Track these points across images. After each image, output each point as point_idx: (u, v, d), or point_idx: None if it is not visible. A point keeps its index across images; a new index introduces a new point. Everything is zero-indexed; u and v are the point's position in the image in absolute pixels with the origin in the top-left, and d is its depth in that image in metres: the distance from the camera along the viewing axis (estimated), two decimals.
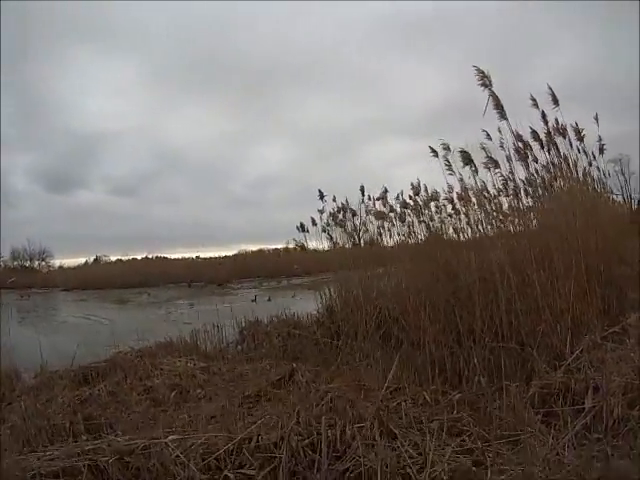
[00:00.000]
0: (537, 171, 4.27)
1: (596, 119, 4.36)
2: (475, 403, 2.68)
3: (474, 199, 4.77)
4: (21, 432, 2.97)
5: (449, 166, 4.28)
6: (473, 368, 3.18)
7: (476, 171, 4.35)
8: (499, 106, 3.80)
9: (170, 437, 2.32)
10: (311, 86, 50.61)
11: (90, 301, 16.96)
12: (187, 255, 30.80)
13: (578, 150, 4.19)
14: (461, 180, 4.43)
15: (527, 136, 4.18)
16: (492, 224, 4.68)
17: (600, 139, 4.38)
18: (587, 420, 2.13)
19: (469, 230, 4.90)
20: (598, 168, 4.37)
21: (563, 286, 3.15)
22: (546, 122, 4.02)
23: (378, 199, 5.75)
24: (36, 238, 34.26)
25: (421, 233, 5.40)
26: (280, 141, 53.88)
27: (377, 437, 1.96)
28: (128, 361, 4.86)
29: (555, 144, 4.05)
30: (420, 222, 5.32)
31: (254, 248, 31.04)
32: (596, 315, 3.03)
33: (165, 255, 31.62)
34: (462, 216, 5.01)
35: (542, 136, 4.01)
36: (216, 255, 29.57)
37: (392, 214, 5.65)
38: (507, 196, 4.49)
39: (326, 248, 6.97)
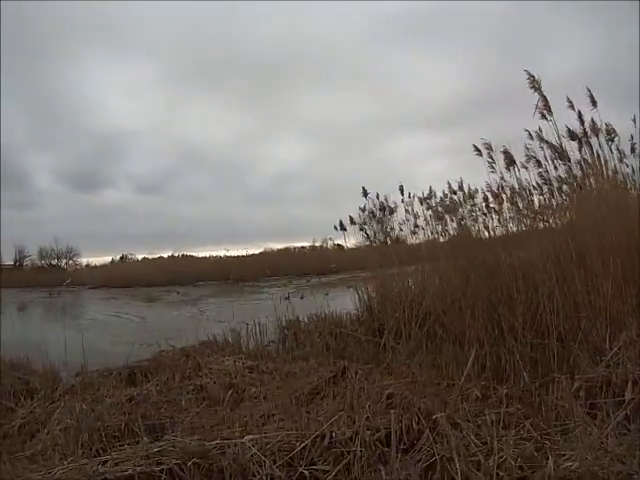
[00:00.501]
0: (570, 169, 4.54)
1: (634, 120, 4.58)
2: (522, 398, 3.01)
3: (508, 196, 5.08)
4: (74, 434, 3.04)
5: (491, 164, 4.57)
6: (516, 365, 3.50)
7: (514, 168, 4.69)
8: (547, 107, 4.10)
9: (247, 437, 2.48)
10: (328, 82, 51.00)
11: (120, 299, 17.51)
12: (213, 253, 31.45)
13: (610, 150, 4.41)
14: (502, 178, 4.72)
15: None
16: (525, 222, 4.97)
17: (632, 138, 4.60)
18: (627, 411, 2.43)
19: (502, 228, 5.21)
20: (628, 165, 4.58)
21: (601, 284, 3.44)
22: (582, 122, 4.28)
23: (426, 199, 5.98)
24: (63, 237, 35.99)
25: (454, 230, 5.72)
26: (299, 137, 54.63)
27: (447, 428, 2.29)
28: (173, 360, 5.06)
29: (589, 143, 4.31)
30: (457, 220, 5.61)
31: (280, 246, 31.85)
32: (631, 313, 3.31)
33: (191, 253, 32.78)
34: (494, 214, 5.31)
35: (579, 135, 4.28)
36: (242, 253, 29.93)
37: (429, 212, 5.94)
38: (541, 194, 4.78)
39: (360, 246, 7.36)
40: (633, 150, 4.51)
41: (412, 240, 6.44)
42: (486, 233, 5.36)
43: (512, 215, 5.11)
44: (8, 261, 35.57)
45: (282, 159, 54.29)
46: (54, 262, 35.57)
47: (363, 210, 6.41)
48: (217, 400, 3.79)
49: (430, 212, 5.96)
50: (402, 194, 6.11)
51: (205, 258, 30.52)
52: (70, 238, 36.11)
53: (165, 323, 9.26)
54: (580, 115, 4.24)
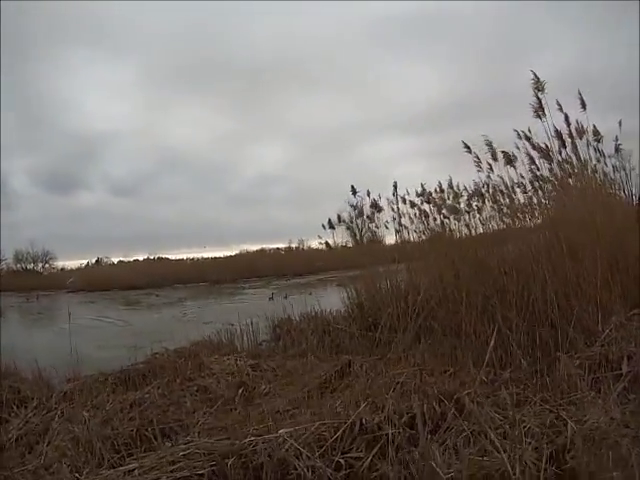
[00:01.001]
0: (552, 169, 4.98)
1: (620, 124, 5.07)
2: (524, 380, 3.33)
3: (490, 195, 5.49)
4: (85, 443, 3.02)
5: (478, 163, 4.96)
6: (513, 352, 3.83)
7: (491, 169, 5.12)
8: (541, 108, 4.51)
9: (282, 430, 2.58)
10: (308, 85, 52.16)
11: (99, 303, 17.50)
12: (189, 255, 32.53)
13: (595, 150, 4.87)
14: (488, 177, 5.13)
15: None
16: (507, 219, 5.40)
17: (617, 139, 5.08)
18: (625, 383, 2.82)
19: (485, 225, 5.63)
20: (608, 165, 5.06)
21: (589, 275, 3.86)
22: (568, 124, 4.72)
23: (419, 195, 6.26)
24: (38, 240, 35.73)
25: (439, 228, 6.08)
26: (278, 140, 55.75)
27: (471, 406, 2.59)
28: (169, 362, 5.08)
29: (574, 144, 4.75)
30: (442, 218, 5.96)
31: (255, 247, 32.73)
32: (618, 300, 3.75)
33: (167, 256, 33.32)
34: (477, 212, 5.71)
35: (565, 137, 4.73)
36: (218, 255, 30.95)
37: (413, 210, 6.27)
38: (524, 192, 5.20)
39: (338, 246, 7.62)
40: (617, 150, 4.97)
41: (397, 239, 6.74)
42: (471, 230, 5.74)
43: (493, 213, 5.55)
44: None
45: (261, 162, 55.46)
46: (30, 266, 34.99)
47: (354, 208, 6.65)
48: (226, 399, 3.87)
49: (415, 210, 6.27)
50: (395, 191, 6.40)
51: (181, 260, 31.42)
52: (45, 241, 35.94)
53: (149, 326, 9.33)
54: (567, 118, 4.70)
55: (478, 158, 5.01)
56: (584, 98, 4.74)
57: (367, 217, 6.51)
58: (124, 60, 51.02)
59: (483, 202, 5.56)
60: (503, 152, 4.82)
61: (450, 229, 5.91)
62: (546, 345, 3.75)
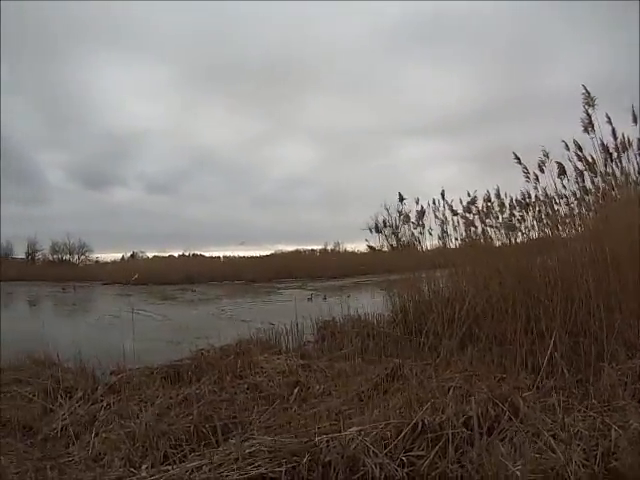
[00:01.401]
0: (593, 182, 5.26)
1: None
2: (568, 388, 3.65)
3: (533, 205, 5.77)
4: (140, 438, 3.15)
5: (527, 173, 5.27)
6: (554, 362, 4.12)
7: (537, 179, 5.40)
8: (590, 124, 4.84)
9: (352, 429, 2.80)
10: (338, 87, 53.42)
11: (136, 296, 18.18)
12: (223, 254, 33.74)
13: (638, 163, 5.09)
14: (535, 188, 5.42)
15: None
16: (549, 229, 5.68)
17: None
18: None
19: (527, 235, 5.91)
20: None
21: (632, 288, 4.14)
22: (615, 137, 4.99)
23: (470, 203, 6.45)
24: (74, 233, 38.18)
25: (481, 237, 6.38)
26: (307, 142, 57.65)
27: (525, 409, 2.94)
28: (217, 359, 5.28)
29: (620, 158, 5.00)
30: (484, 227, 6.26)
31: (290, 248, 34.27)
32: None
33: (201, 253, 34.88)
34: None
35: (611, 150, 4.99)
36: (252, 254, 32.26)
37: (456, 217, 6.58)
38: (568, 204, 5.46)
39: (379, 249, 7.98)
40: None
41: (437, 244, 7.04)
42: (510, 239, 6.02)
43: (534, 223, 5.83)
44: (20, 255, 38.52)
45: (290, 163, 58.19)
46: (66, 257, 37.06)
47: (401, 214, 7.01)
48: (281, 398, 4.02)
49: (457, 218, 6.56)
50: (443, 199, 6.66)
51: (215, 258, 32.76)
52: (81, 234, 38.38)
53: (188, 321, 9.61)
54: (614, 131, 4.91)
55: (527, 169, 5.30)
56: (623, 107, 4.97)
57: (413, 223, 6.81)
58: (153, 60, 53.27)
59: (527, 212, 5.82)
60: (557, 163, 5.09)
61: (490, 237, 6.22)
62: (588, 356, 4.04)
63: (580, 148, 5.06)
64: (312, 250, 33.94)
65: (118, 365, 5.19)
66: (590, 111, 4.84)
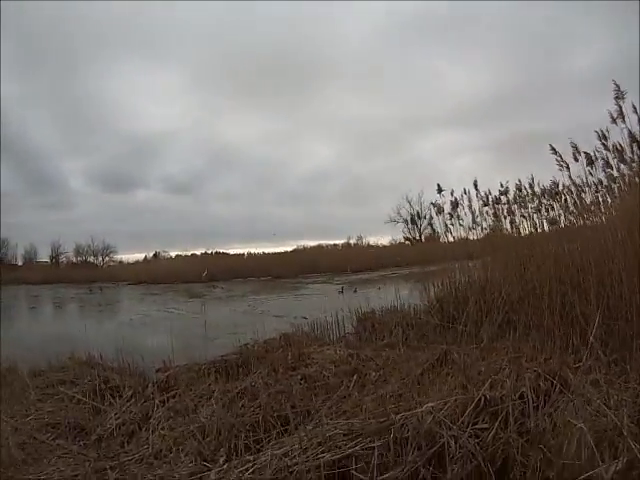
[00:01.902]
0: (619, 169, 5.74)
1: None
2: (603, 368, 4.12)
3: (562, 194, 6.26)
4: (210, 431, 3.33)
5: (560, 164, 5.78)
6: (593, 345, 4.60)
7: (567, 168, 5.87)
8: (621, 115, 5.33)
9: (427, 405, 3.07)
10: (353, 83, 54.20)
11: (163, 295, 19.04)
12: (246, 250, 35.82)
13: None
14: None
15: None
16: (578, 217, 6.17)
17: None
18: None
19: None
20: None
21: None
22: None
23: (503, 194, 7.03)
24: (99, 235, 41.23)
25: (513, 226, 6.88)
26: (328, 137, 59.38)
27: (575, 382, 3.44)
28: (263, 352, 5.65)
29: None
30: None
31: (312, 244, 36.09)
32: None
33: (224, 250, 37.16)
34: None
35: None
36: (275, 251, 34.04)
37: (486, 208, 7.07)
38: (597, 192, 5.94)
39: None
40: None
41: (463, 236, 7.58)
42: (537, 229, 6.56)
43: (561, 212, 6.32)
44: (44, 258, 41.25)
45: (312, 159, 59.35)
46: (90, 259, 38.39)
47: (435, 206, 7.54)
48: (336, 386, 4.28)
49: (487, 209, 7.06)
50: (476, 189, 7.24)
51: (239, 255, 34.52)
52: (104, 236, 41.25)
53: (221, 318, 10.15)
54: None
55: (561, 157, 5.79)
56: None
57: (449, 214, 7.36)
58: (174, 61, 54.87)
59: (555, 201, 6.30)
60: (585, 153, 5.59)
61: (517, 227, 6.72)
62: (622, 337, 4.54)
63: (606, 137, 5.52)
64: (334, 245, 34.77)
65: (164, 362, 5.41)
66: (620, 103, 5.30)
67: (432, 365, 4.66)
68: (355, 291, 12.29)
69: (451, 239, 7.79)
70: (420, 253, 7.99)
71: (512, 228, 6.92)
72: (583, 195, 6.05)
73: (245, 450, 3.15)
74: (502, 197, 6.87)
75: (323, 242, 36.12)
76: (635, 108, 5.44)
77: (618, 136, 5.53)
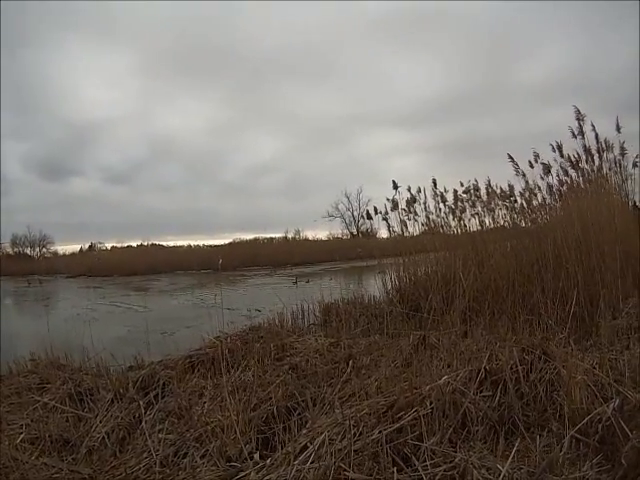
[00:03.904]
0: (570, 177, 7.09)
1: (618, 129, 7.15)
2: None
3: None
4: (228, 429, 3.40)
5: (517, 169, 6.98)
6: (551, 326, 5.68)
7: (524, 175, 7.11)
8: (581, 132, 6.61)
9: (444, 378, 3.66)
10: (303, 78, 55.02)
11: (105, 288, 19.25)
12: (183, 243, 37.19)
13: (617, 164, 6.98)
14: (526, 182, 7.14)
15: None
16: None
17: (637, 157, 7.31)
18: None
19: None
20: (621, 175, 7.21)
21: (609, 264, 5.92)
22: (598, 141, 6.94)
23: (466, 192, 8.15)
24: (34, 225, 40.36)
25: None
26: (272, 131, 59.59)
27: (556, 351, 4.44)
28: (237, 345, 5.75)
29: (592, 157, 6.84)
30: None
31: (249, 236, 36.62)
32: (632, 286, 5.85)
33: (161, 243, 38.28)
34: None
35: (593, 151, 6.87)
36: (212, 243, 35.86)
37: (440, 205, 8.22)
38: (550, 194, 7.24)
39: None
40: (635, 165, 7.08)
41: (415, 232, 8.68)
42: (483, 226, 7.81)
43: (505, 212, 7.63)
44: None
45: (255, 152, 59.38)
46: (27, 250, 38.12)
47: (392, 201, 8.45)
48: (327, 374, 4.64)
49: (442, 206, 8.19)
50: (435, 187, 8.31)
51: (176, 247, 35.68)
52: (40, 226, 40.61)
53: (172, 312, 10.50)
54: (597, 136, 6.81)
55: (517, 165, 6.99)
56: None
57: (403, 209, 8.40)
58: (121, 49, 52.15)
59: (507, 202, 7.54)
60: (543, 163, 6.88)
61: (465, 224, 7.90)
62: (578, 319, 5.73)
63: (560, 148, 6.82)
64: (271, 238, 35.82)
65: (136, 359, 5.56)
66: (580, 123, 6.63)
67: (414, 349, 5.21)
68: (308, 281, 13.12)
69: (390, 235, 8.90)
70: (362, 248, 8.91)
71: (461, 225, 8.06)
72: (533, 197, 7.27)
73: (268, 445, 3.39)
74: (458, 195, 7.94)
75: (260, 235, 37.04)
76: (594, 126, 6.82)
77: (569, 147, 6.86)
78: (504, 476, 2.79)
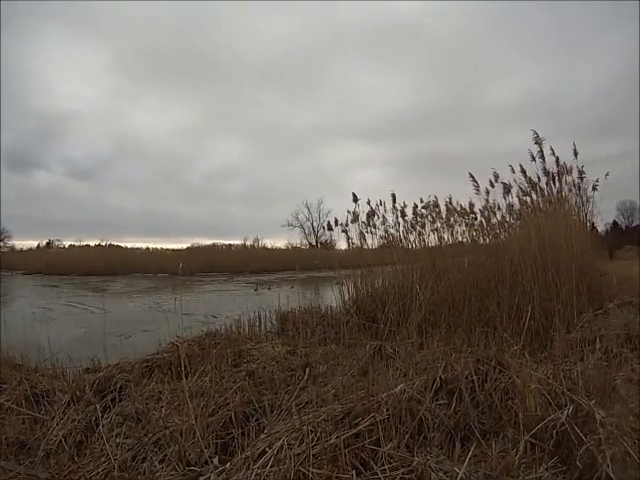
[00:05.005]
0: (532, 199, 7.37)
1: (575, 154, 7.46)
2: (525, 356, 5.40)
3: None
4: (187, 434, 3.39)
5: (477, 188, 7.18)
6: (507, 340, 5.85)
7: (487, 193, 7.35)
8: (541, 155, 6.93)
9: (399, 386, 3.74)
10: (276, 87, 55.29)
11: (62, 287, 19.07)
12: (142, 245, 37.08)
13: (576, 187, 7.30)
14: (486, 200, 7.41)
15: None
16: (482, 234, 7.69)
17: (597, 180, 7.57)
18: (599, 352, 4.97)
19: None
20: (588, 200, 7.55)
21: (564, 281, 6.15)
22: (558, 164, 7.22)
23: (424, 207, 8.36)
24: None
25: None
26: (241, 137, 58.94)
27: (510, 362, 4.57)
28: (195, 351, 5.73)
29: (560, 180, 7.17)
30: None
31: (207, 242, 37.95)
32: (585, 302, 6.10)
33: (118, 243, 37.86)
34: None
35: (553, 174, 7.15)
36: (171, 247, 36.48)
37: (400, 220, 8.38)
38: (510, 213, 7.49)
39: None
40: (594, 188, 7.41)
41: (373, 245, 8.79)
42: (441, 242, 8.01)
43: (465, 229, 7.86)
44: None
45: (220, 157, 58.63)
46: None
47: (354, 213, 8.55)
48: (285, 381, 4.64)
49: (401, 220, 8.37)
50: (394, 201, 8.43)
51: (135, 249, 35.51)
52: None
53: (129, 315, 10.38)
54: (557, 160, 7.10)
55: (477, 184, 7.21)
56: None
57: (362, 222, 8.50)
58: (94, 43, 51.40)
59: (466, 218, 7.76)
60: (503, 183, 7.10)
61: (424, 240, 8.10)
62: (533, 333, 5.92)
63: (524, 170, 7.09)
64: (229, 245, 36.00)
65: (92, 362, 5.52)
66: (540, 147, 6.92)
67: (370, 358, 5.35)
68: (269, 288, 13.17)
69: (349, 246, 8.90)
70: (321, 259, 9.05)
71: (420, 240, 8.24)
72: (492, 215, 7.51)
73: (227, 449, 3.43)
74: (417, 210, 8.14)
75: (218, 241, 37.97)
76: (553, 151, 7.13)
77: (531, 170, 7.20)
78: (461, 478, 2.88)
